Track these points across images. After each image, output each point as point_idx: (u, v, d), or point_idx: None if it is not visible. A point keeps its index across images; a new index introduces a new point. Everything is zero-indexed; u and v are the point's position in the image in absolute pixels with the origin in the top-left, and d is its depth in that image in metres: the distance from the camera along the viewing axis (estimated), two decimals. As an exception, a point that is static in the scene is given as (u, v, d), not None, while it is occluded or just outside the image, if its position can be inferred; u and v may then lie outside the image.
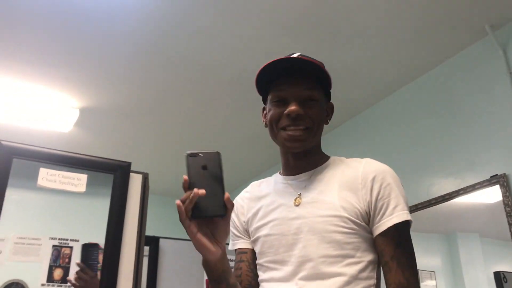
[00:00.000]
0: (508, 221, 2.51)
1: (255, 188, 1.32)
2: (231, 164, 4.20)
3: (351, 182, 1.12)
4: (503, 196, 2.57)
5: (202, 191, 0.93)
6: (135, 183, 1.51)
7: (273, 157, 4.15)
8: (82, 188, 1.39)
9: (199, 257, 2.33)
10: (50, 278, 3.39)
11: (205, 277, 2.34)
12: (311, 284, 1.05)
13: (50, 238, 3.41)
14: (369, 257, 1.09)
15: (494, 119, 2.74)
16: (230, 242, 1.30)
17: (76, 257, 3.47)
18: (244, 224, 1.27)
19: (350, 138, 3.69)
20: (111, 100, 3.06)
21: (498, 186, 2.60)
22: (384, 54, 2.89)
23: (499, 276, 2.73)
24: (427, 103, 3.16)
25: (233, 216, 1.29)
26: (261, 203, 1.24)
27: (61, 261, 3.46)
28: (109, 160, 1.46)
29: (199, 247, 1.01)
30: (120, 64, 2.72)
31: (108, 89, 2.97)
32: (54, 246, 3.44)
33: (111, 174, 1.45)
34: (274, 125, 1.20)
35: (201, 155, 0.98)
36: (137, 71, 2.82)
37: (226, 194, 0.97)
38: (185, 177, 0.96)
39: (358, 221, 1.08)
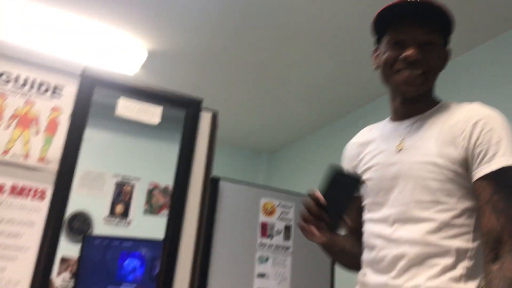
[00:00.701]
0: None
1: (364, 133, 1.33)
2: (291, 115, 4.19)
3: (451, 128, 1.11)
4: None
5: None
6: (204, 121, 1.54)
7: (330, 115, 4.10)
8: (156, 119, 1.43)
9: (256, 203, 2.39)
10: (112, 212, 3.62)
11: (259, 220, 2.40)
12: (403, 227, 1.09)
13: (113, 175, 3.61)
14: (465, 204, 1.07)
15: None
16: None
17: (137, 194, 3.67)
18: (353, 169, 1.29)
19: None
20: (180, 44, 3.08)
21: None
22: None
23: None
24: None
25: (343, 161, 1.35)
26: (368, 148, 1.27)
27: (122, 197, 3.68)
28: (183, 95, 1.49)
29: (306, 235, 1.07)
30: (193, 8, 2.72)
31: (179, 33, 2.98)
32: (117, 182, 3.65)
33: (184, 110, 1.48)
34: (388, 68, 1.17)
35: (346, 174, 1.06)
36: (211, 16, 2.81)
37: (346, 219, 1.02)
38: (318, 194, 1.02)
39: (454, 168, 1.07)
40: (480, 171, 1.04)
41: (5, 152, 1.25)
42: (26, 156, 1.27)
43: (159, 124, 3.67)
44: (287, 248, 2.39)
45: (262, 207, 2.40)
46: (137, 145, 3.82)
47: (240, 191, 2.39)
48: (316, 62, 3.27)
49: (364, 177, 1.21)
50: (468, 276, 1.03)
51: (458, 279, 1.02)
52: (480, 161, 1.04)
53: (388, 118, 1.29)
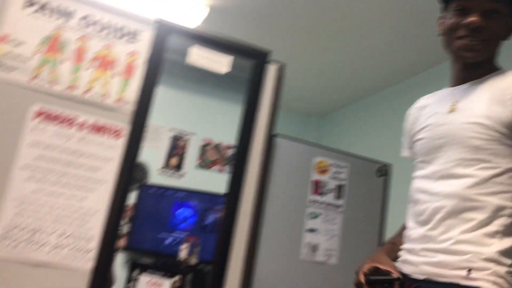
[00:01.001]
0: None
1: (424, 99, 1.39)
2: (346, 79, 4.15)
3: (503, 91, 1.13)
4: None
5: None
6: (271, 73, 1.57)
7: (386, 81, 4.02)
8: (225, 69, 1.47)
9: (310, 161, 2.43)
10: (166, 165, 3.77)
11: (312, 178, 2.44)
12: (445, 182, 1.15)
13: (170, 129, 3.74)
14: (509, 164, 1.11)
15: None
16: (403, 149, 1.46)
17: (191, 149, 3.79)
18: (410, 132, 1.38)
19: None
20: (240, 0, 3.10)
21: None
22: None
23: None
24: None
25: (405, 126, 1.43)
26: (424, 111, 1.33)
27: (177, 151, 3.81)
28: (252, 46, 1.52)
29: None
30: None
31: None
32: (172, 137, 3.77)
33: (252, 61, 1.51)
34: (450, 34, 1.21)
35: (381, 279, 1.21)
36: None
37: None
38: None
39: (501, 129, 1.10)
40: None
41: (86, 91, 1.33)
42: (105, 96, 1.35)
43: (217, 82, 3.74)
44: (338, 206, 2.43)
45: (316, 165, 2.43)
46: (193, 102, 3.92)
47: (295, 148, 2.43)
48: (376, 27, 3.20)
49: (417, 137, 1.29)
50: (503, 233, 1.06)
51: (493, 235, 1.06)
52: None
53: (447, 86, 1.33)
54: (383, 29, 3.19)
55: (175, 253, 2.98)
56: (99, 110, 1.34)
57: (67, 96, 1.31)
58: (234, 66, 1.53)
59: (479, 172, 1.10)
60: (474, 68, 1.22)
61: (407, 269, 1.19)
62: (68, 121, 1.30)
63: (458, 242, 1.07)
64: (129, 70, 1.38)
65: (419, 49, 3.33)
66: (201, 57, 1.43)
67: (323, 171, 2.43)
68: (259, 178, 1.57)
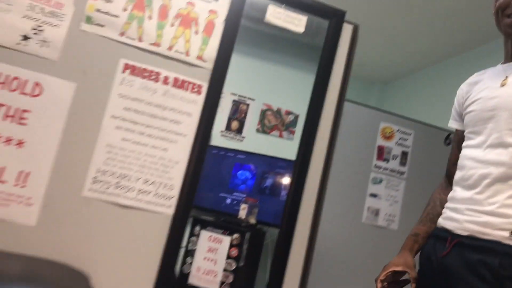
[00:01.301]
0: None
1: (476, 76, 1.43)
2: (412, 45, 4.03)
3: None
4: None
5: None
6: (345, 33, 1.57)
7: (457, 47, 3.87)
8: (301, 28, 1.49)
9: (375, 126, 2.41)
10: (228, 128, 3.85)
11: (377, 143, 2.43)
12: (494, 151, 1.20)
13: (231, 93, 3.81)
14: None
15: None
16: (450, 120, 1.49)
17: (251, 114, 3.84)
18: (461, 106, 1.41)
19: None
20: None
21: None
22: None
23: None
24: None
25: (455, 99, 1.47)
26: (476, 87, 1.37)
27: (238, 115, 3.88)
28: (327, 6, 1.53)
29: None
30: None
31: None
32: (234, 101, 3.84)
33: (327, 20, 1.52)
34: (500, 12, 1.25)
35: None
36: None
37: None
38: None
39: None
40: None
41: (170, 48, 1.40)
42: (187, 53, 1.41)
43: (277, 48, 3.71)
44: (402, 173, 2.42)
45: (381, 131, 2.42)
46: (254, 67, 3.94)
47: (361, 113, 2.43)
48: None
49: (467, 110, 1.35)
50: None
51: None
52: None
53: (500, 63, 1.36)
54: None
55: (234, 213, 3.09)
56: (181, 65, 1.41)
57: (153, 51, 1.38)
58: (294, 33, 1.54)
59: None
60: None
61: (450, 225, 1.26)
62: (153, 75, 1.37)
63: (503, 206, 1.14)
64: (209, 28, 1.43)
65: (491, 16, 3.17)
66: (277, 17, 1.45)
67: (388, 137, 2.42)
68: (328, 144, 1.59)
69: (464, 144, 1.35)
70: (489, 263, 1.11)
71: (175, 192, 1.37)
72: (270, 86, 3.91)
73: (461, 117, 1.42)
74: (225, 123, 3.78)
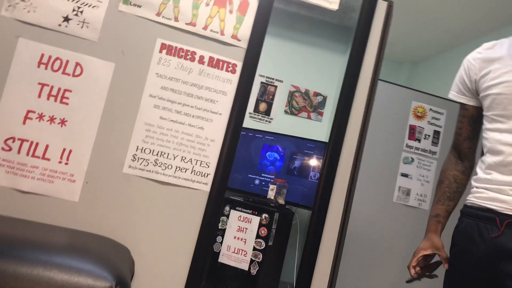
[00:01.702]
0: None
1: (487, 50, 1.39)
2: (444, 22, 3.95)
3: None
4: None
5: None
6: (380, 10, 1.55)
7: (489, 25, 3.77)
8: (335, 5, 1.48)
9: (407, 105, 2.39)
10: (256, 109, 3.87)
11: (409, 122, 2.42)
12: None
13: (259, 75, 3.82)
14: None
15: None
16: (453, 93, 1.47)
17: (279, 95, 3.86)
18: (474, 83, 1.38)
19: None
20: None
21: None
22: None
23: None
24: None
25: (462, 73, 1.43)
26: (494, 65, 1.33)
27: (266, 96, 3.89)
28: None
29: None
30: None
31: None
32: (262, 83, 3.85)
33: (361, -2, 1.51)
34: None
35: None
36: None
37: None
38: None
39: None
40: None
41: (205, 27, 1.41)
42: (222, 32, 1.42)
43: (306, 29, 3.68)
44: (434, 153, 2.41)
45: (413, 110, 2.40)
46: (281, 49, 3.94)
47: (392, 92, 2.41)
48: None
49: (491, 91, 1.31)
50: None
51: None
52: None
53: None
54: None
55: (263, 193, 3.12)
56: (216, 45, 1.42)
57: (189, 30, 1.40)
58: (324, 13, 1.53)
59: None
60: None
61: (496, 206, 1.25)
62: (189, 55, 1.39)
63: None
64: (243, 7, 1.44)
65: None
66: (313, -7, 1.44)
67: (420, 116, 2.40)
68: (362, 125, 1.58)
69: (490, 126, 1.32)
70: None
71: (211, 170, 1.40)
72: (298, 67, 3.91)
73: (472, 93, 1.40)
74: (253, 104, 3.82)
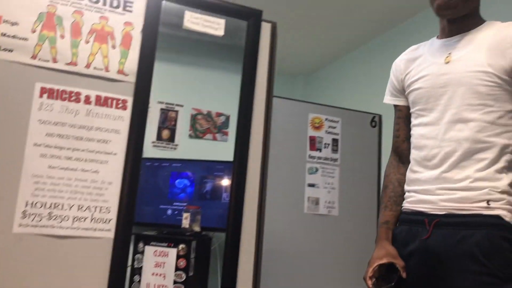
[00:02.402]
0: None
1: (411, 51, 1.45)
2: (328, 35, 4.15)
3: (500, 42, 1.20)
4: None
5: None
6: (265, 32, 1.58)
7: (369, 33, 4.03)
8: (221, 32, 1.48)
9: (304, 118, 2.47)
10: (159, 137, 3.78)
11: (309, 134, 2.49)
12: (454, 127, 1.22)
13: (158, 102, 3.73)
14: (508, 107, 1.20)
15: None
16: (387, 97, 1.50)
17: (181, 120, 3.80)
18: (400, 82, 1.43)
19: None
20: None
21: None
22: None
23: None
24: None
25: (391, 76, 1.48)
26: (416, 63, 1.39)
27: (168, 123, 3.82)
28: (244, 7, 1.53)
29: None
30: None
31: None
32: (162, 109, 3.77)
33: (245, 21, 1.53)
34: None
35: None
36: None
37: None
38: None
39: (502, 76, 1.18)
40: None
41: (88, 65, 1.34)
42: (106, 69, 1.36)
43: (200, 52, 3.69)
44: (335, 160, 2.50)
45: (310, 122, 2.49)
46: (176, 73, 3.90)
47: (289, 107, 2.48)
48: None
49: (413, 87, 1.35)
50: (508, 168, 1.18)
51: (501, 171, 1.17)
52: None
53: (435, 37, 1.39)
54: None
55: (177, 223, 3.04)
56: (102, 82, 1.35)
57: (70, 71, 1.32)
58: (214, 36, 1.53)
59: (484, 116, 1.18)
60: (459, 21, 1.28)
61: (424, 207, 1.26)
62: (73, 96, 1.31)
63: (475, 180, 1.17)
64: (126, 41, 1.39)
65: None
66: (195, 22, 1.44)
67: (317, 127, 2.48)
68: (263, 141, 1.59)
69: (415, 122, 1.35)
70: (476, 238, 1.12)
71: (113, 214, 1.32)
72: (197, 90, 3.89)
73: (402, 93, 1.43)
74: (155, 133, 3.72)
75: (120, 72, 1.37)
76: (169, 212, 3.29)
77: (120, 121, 1.36)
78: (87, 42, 1.35)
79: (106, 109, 1.35)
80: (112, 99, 1.36)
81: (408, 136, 1.41)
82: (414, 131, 1.35)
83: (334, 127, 2.51)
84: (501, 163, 1.18)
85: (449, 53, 1.28)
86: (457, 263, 1.14)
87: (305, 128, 2.45)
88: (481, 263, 1.10)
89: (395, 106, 1.47)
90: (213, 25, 1.47)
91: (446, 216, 1.20)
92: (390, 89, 1.48)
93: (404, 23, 3.74)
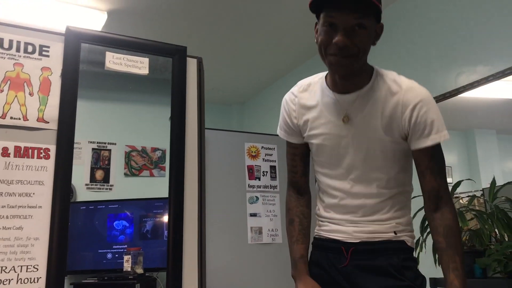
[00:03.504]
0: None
1: (303, 93, 1.40)
2: (258, 64, 4.22)
3: (392, 109, 1.27)
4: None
5: None
6: (191, 68, 1.57)
7: (298, 58, 4.14)
8: (145, 71, 1.45)
9: (241, 148, 2.46)
10: (93, 179, 3.62)
11: (247, 164, 2.49)
12: (360, 184, 1.31)
13: (89, 141, 3.59)
14: (402, 162, 1.33)
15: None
16: (281, 132, 1.46)
17: (115, 159, 3.67)
18: (296, 126, 1.41)
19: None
20: (139, 1, 3.03)
21: (528, 70, 2.63)
22: None
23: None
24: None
25: (284, 114, 1.44)
26: (311, 114, 1.37)
27: (101, 163, 3.67)
28: (168, 44, 1.51)
29: None
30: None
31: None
32: (93, 149, 3.63)
33: (170, 58, 1.51)
34: (322, 49, 1.26)
35: None
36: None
37: None
38: None
39: (398, 140, 1.29)
40: (419, 144, 1.27)
41: (3, 115, 1.26)
42: (25, 117, 1.28)
43: (129, 87, 3.62)
44: (275, 187, 2.50)
45: (247, 151, 2.48)
46: (106, 111, 3.79)
47: (224, 138, 2.46)
48: (274, 9, 3.28)
49: (313, 140, 1.38)
50: (407, 209, 1.37)
51: (403, 213, 1.34)
52: (419, 137, 1.27)
53: (323, 80, 1.37)
54: (287, 8, 3.27)
55: (119, 267, 2.90)
56: (21, 132, 1.28)
57: (-17, 123, 1.23)
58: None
59: (384, 175, 1.31)
60: (350, 77, 1.30)
61: (339, 236, 1.34)
62: (-11, 150, 1.22)
63: (383, 220, 1.31)
64: (45, 87, 1.32)
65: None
66: (118, 63, 1.40)
67: (254, 155, 2.48)
68: (198, 175, 1.57)
69: (321, 170, 1.39)
70: (388, 260, 1.27)
71: (41, 272, 1.22)
72: (129, 126, 3.78)
73: (297, 134, 1.42)
74: (88, 174, 3.56)
75: (40, 120, 1.30)
76: (109, 256, 3.14)
77: (43, 172, 1.28)
78: (1, 91, 1.27)
79: (27, 160, 1.26)
80: (33, 148, 1.28)
81: (305, 172, 1.46)
82: (321, 179, 1.40)
83: (271, 154, 2.52)
84: (402, 207, 1.34)
85: (346, 113, 1.30)
86: (376, 284, 1.26)
87: (242, 157, 2.45)
88: (397, 278, 1.25)
89: (291, 143, 1.45)
90: (137, 64, 1.44)
91: (360, 243, 1.30)
92: (284, 126, 1.45)
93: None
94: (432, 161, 1.27)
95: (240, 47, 3.85)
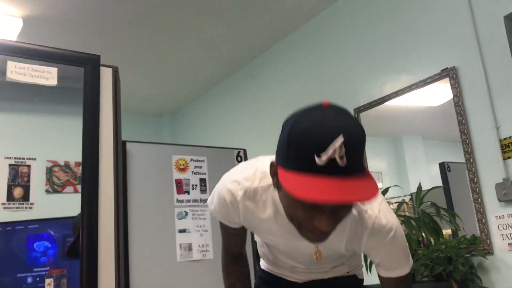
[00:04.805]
0: (455, 110, 2.71)
1: (248, 202, 1.17)
2: (189, 74, 4.14)
3: (356, 241, 1.19)
4: (451, 88, 2.73)
5: None
6: (106, 77, 1.47)
7: (226, 70, 4.11)
8: (53, 81, 1.34)
9: (168, 161, 2.36)
10: (10, 197, 3.35)
11: (174, 177, 2.39)
12: (317, 264, 1.34)
13: (5, 157, 3.32)
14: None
15: (444, 12, 2.83)
16: (219, 216, 1.27)
17: (35, 175, 3.42)
18: (239, 222, 1.23)
19: (309, 41, 3.70)
20: (59, 6, 2.85)
21: (448, 79, 2.75)
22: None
23: (443, 166, 2.98)
24: (377, 5, 3.21)
25: (229, 208, 1.19)
26: (264, 224, 1.20)
27: (20, 179, 3.41)
28: (79, 53, 1.40)
29: None
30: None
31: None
32: (10, 165, 3.36)
33: (82, 68, 1.40)
34: (295, 218, 1.02)
35: None
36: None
37: None
38: None
39: (358, 251, 1.32)
40: (384, 274, 1.25)
41: None
42: None
43: (43, 99, 3.41)
44: (205, 200, 2.43)
45: (175, 164, 2.38)
46: (24, 123, 3.54)
47: (149, 151, 2.35)
48: (204, 20, 3.24)
49: (266, 240, 1.34)
50: (357, 256, 1.48)
51: (353, 260, 1.47)
52: (385, 270, 1.25)
53: (277, 202, 1.13)
54: (215, 21, 3.24)
55: (40, 291, 2.70)
56: None
57: None
58: (65, 76, 1.40)
59: (344, 259, 1.40)
60: None
61: (294, 278, 1.43)
62: None
63: (337, 269, 1.43)
64: None
65: (251, 36, 3.46)
66: (21, 73, 1.27)
67: (183, 169, 2.39)
68: (115, 191, 1.47)
69: (266, 239, 1.31)
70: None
71: None
72: (49, 140, 3.54)
73: (238, 224, 1.25)
74: (5, 192, 3.29)
75: None
76: (29, 280, 2.90)
77: None
78: None
79: None
80: None
81: (243, 242, 1.37)
82: (270, 249, 1.39)
83: (200, 167, 2.44)
84: (356, 257, 1.48)
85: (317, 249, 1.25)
86: None
87: (170, 171, 2.34)
88: None
89: (231, 228, 1.30)
90: (44, 75, 1.32)
91: (312, 281, 1.42)
92: (227, 217, 1.23)
93: (257, 58, 3.89)
94: (398, 286, 1.28)
95: (169, 58, 3.76)
